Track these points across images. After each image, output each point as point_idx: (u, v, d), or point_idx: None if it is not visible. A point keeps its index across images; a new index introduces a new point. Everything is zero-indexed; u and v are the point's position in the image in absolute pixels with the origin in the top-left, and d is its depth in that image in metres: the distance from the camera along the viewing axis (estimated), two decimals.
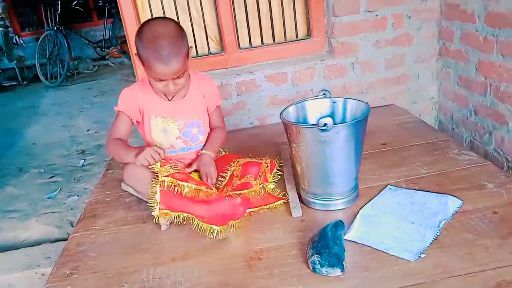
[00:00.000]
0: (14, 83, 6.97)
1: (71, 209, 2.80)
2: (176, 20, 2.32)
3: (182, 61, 1.44)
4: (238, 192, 1.46)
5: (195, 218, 1.41)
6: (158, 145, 1.56)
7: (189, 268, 1.29)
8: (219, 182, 1.59)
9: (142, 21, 2.28)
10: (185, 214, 1.42)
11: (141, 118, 1.63)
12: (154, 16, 2.31)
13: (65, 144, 4.10)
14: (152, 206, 1.41)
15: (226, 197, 1.44)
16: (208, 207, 1.42)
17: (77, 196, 2.98)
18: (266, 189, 1.57)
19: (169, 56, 1.39)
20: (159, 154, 1.46)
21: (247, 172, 1.56)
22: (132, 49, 2.30)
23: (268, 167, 1.63)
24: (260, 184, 1.53)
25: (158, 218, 1.43)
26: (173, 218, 1.43)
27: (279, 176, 1.67)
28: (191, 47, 1.51)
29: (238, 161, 1.63)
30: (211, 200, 1.44)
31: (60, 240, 2.39)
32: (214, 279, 1.23)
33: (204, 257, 1.33)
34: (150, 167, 1.46)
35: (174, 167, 1.46)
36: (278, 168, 1.68)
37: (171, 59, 1.40)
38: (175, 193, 1.41)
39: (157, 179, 1.42)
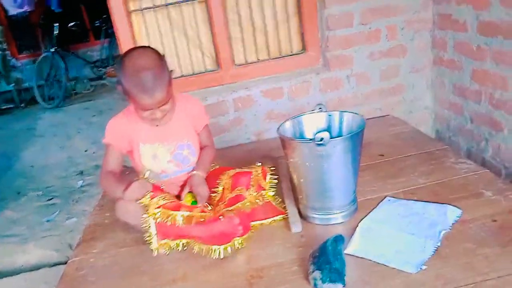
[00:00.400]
0: (12, 105, 6.97)
1: (70, 231, 2.78)
2: (172, 39, 2.34)
3: (166, 89, 1.44)
4: (231, 208, 1.45)
5: (195, 241, 1.41)
6: (148, 172, 1.55)
7: (190, 286, 1.28)
8: (212, 198, 1.58)
9: (137, 41, 2.32)
10: (184, 240, 1.43)
11: (130, 147, 1.61)
12: (150, 36, 2.33)
13: (63, 165, 4.09)
14: (149, 240, 1.42)
15: (221, 216, 1.42)
16: (204, 228, 1.41)
17: (76, 218, 2.96)
18: (265, 198, 1.56)
19: (153, 87, 1.39)
20: (146, 188, 1.46)
21: (238, 184, 1.54)
22: None
23: (260, 175, 1.60)
24: (254, 192, 1.52)
25: (158, 250, 1.43)
26: (172, 247, 1.44)
27: (275, 181, 1.62)
28: (172, 70, 1.51)
29: (228, 173, 1.61)
30: (207, 222, 1.43)
31: (59, 264, 2.37)
32: None
33: (204, 277, 1.32)
34: (139, 202, 1.44)
35: (164, 198, 1.45)
36: (271, 173, 1.63)
37: (155, 90, 1.40)
38: (169, 223, 1.41)
39: (149, 212, 1.41)
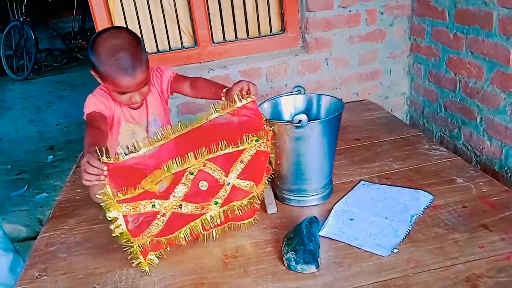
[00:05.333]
0: None
1: (40, 206, 2.73)
2: (148, 13, 2.28)
3: (145, 69, 1.38)
4: (223, 208, 1.28)
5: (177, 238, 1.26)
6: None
7: (163, 267, 1.27)
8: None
9: (112, 13, 2.25)
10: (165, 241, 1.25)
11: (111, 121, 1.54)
12: (124, 8, 2.26)
13: (33, 139, 3.99)
14: (134, 257, 1.22)
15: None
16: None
17: (46, 193, 2.90)
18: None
19: (133, 67, 1.34)
20: (100, 169, 1.10)
21: (234, 198, 1.30)
22: None
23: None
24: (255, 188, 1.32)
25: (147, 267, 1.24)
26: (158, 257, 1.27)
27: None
28: (147, 52, 1.45)
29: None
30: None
31: (29, 239, 2.33)
32: (189, 278, 1.21)
33: (178, 256, 1.31)
34: (101, 204, 1.14)
35: (147, 235, 1.18)
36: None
37: (136, 70, 1.34)
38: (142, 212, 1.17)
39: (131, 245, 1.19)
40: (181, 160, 1.19)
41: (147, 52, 1.44)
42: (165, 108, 1.66)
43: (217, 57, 2.40)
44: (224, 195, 1.27)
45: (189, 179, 1.20)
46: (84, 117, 1.44)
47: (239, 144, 1.25)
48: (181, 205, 1.20)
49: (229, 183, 1.25)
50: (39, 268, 1.32)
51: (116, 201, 1.12)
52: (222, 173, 1.24)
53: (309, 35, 2.33)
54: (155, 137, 1.25)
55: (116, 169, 1.14)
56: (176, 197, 1.19)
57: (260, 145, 1.29)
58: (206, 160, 1.21)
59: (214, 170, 1.23)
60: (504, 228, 1.26)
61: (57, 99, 5.22)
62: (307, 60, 2.38)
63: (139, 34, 2.28)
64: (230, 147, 1.24)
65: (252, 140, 1.27)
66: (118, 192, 1.12)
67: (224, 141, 1.23)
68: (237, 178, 1.27)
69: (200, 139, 1.25)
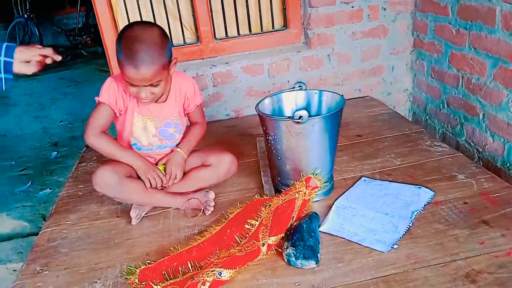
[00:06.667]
0: None
1: (44, 202, 2.74)
2: (150, 10, 2.28)
3: (155, 70, 1.36)
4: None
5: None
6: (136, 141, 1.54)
7: None
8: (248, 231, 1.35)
9: (114, 10, 2.25)
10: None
11: (124, 111, 1.54)
12: (127, 4, 2.26)
13: (37, 135, 3.99)
14: None
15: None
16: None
17: (50, 189, 2.91)
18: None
19: (141, 61, 1.33)
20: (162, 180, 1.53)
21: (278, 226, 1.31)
22: (105, 38, 2.26)
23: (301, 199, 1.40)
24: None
25: None
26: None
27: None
28: (175, 58, 1.44)
29: (270, 207, 1.39)
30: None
31: (32, 234, 2.34)
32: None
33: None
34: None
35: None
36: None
37: (142, 64, 1.33)
38: None
39: None
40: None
41: (173, 58, 1.44)
42: (182, 111, 1.66)
43: (219, 53, 2.40)
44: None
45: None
46: (98, 99, 1.50)
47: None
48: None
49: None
50: (40, 263, 1.33)
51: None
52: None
53: (311, 31, 2.33)
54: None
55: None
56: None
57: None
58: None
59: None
60: (504, 224, 1.26)
61: (61, 95, 5.22)
62: (310, 56, 2.37)
63: None
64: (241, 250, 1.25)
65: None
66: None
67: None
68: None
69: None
